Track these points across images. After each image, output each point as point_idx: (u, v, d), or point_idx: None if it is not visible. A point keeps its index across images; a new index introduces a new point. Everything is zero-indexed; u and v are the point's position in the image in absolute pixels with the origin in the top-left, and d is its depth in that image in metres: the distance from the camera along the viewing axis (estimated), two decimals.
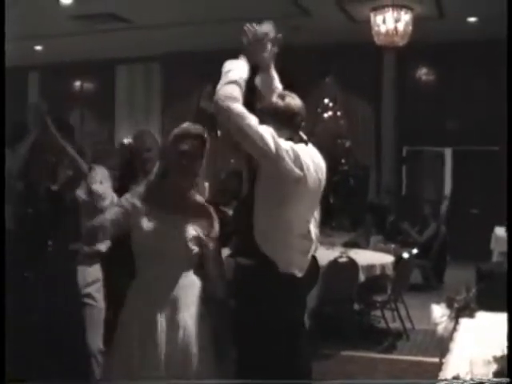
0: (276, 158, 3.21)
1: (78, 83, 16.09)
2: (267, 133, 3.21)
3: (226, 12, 10.40)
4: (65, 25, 11.30)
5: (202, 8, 10.42)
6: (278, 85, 3.69)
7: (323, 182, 3.53)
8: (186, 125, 3.37)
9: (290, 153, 3.24)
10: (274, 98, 3.48)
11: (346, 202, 13.95)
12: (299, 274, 3.36)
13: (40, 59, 14.31)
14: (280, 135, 3.29)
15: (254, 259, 3.28)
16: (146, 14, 11.01)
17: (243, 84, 3.32)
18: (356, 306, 7.10)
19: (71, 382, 4.30)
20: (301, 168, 3.28)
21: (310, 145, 3.50)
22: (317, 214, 5.10)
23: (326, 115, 14.95)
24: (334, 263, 6.50)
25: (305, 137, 3.52)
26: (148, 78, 15.31)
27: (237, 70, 3.34)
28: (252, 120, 3.19)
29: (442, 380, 2.37)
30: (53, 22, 11.13)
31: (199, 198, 3.39)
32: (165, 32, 11.91)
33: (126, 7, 10.73)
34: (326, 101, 14.75)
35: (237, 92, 3.23)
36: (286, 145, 3.26)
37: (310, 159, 3.39)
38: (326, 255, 6.60)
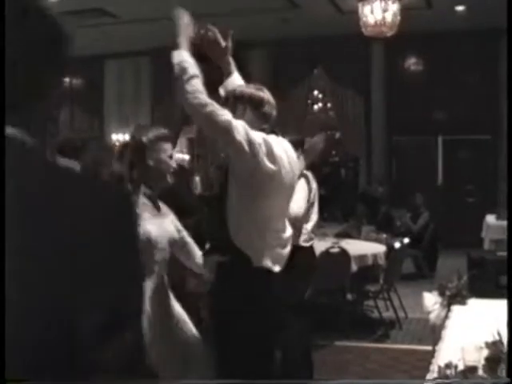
0: (250, 152, 3.12)
1: (66, 79, 16.04)
2: (240, 126, 3.13)
3: (214, 6, 10.38)
4: None
5: (189, 1, 10.40)
6: (240, 81, 3.61)
7: (296, 175, 3.51)
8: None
9: (263, 147, 3.15)
10: (241, 87, 3.43)
11: (337, 193, 13.99)
12: (276, 269, 3.29)
13: None
14: (251, 125, 3.21)
15: (229, 256, 3.22)
16: (133, 9, 10.99)
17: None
18: (349, 296, 7.13)
19: (71, 382, 4.32)
20: (274, 162, 3.19)
21: (281, 137, 3.43)
22: (315, 216, 5.15)
23: (315, 107, 14.96)
24: (326, 254, 6.52)
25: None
26: (137, 72, 15.29)
27: (191, 62, 3.28)
28: (225, 115, 3.11)
29: (443, 380, 2.39)
30: None
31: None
32: (153, 26, 11.89)
33: (113, 2, 10.72)
34: (316, 92, 14.76)
35: (202, 86, 3.17)
36: (259, 137, 3.16)
37: (283, 151, 3.31)
38: (318, 246, 6.60)
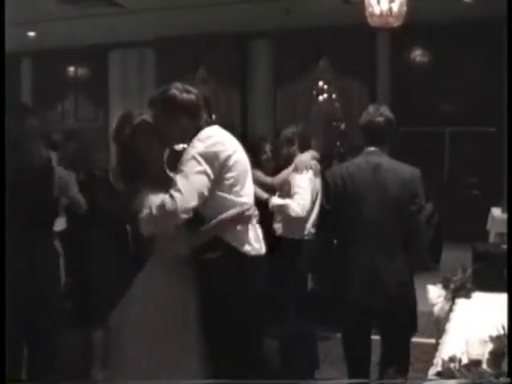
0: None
1: (71, 69, 16.03)
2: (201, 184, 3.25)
3: None
4: (57, 10, 11.24)
5: None
6: None
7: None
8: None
9: (221, 158, 3.31)
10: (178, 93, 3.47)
11: None
12: (262, 251, 3.49)
13: (33, 45, 14.24)
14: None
15: (220, 250, 3.34)
16: None
17: None
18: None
19: (70, 382, 4.34)
20: (235, 151, 3.39)
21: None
22: (314, 215, 5.14)
23: (320, 98, 14.89)
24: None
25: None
26: (141, 62, 15.25)
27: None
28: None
29: (444, 379, 2.37)
30: (45, 8, 11.06)
31: None
32: (157, 16, 11.85)
33: None
34: (321, 83, 14.69)
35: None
36: (216, 147, 3.31)
37: (233, 139, 3.50)
38: None
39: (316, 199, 5.11)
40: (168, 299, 3.41)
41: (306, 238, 5.10)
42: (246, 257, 3.37)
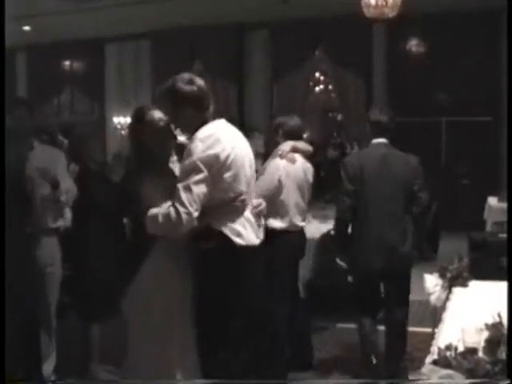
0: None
1: (67, 62, 16.02)
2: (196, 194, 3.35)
3: None
4: (52, 4, 11.22)
5: None
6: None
7: (251, 153, 3.72)
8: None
9: (211, 155, 3.38)
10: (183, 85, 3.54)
11: (339, 175, 13.92)
12: (256, 241, 3.60)
13: (28, 39, 14.22)
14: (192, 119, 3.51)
15: (214, 240, 3.45)
16: None
17: None
18: (350, 278, 7.12)
19: (70, 382, 4.36)
20: (233, 148, 3.48)
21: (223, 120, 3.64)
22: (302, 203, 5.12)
23: (317, 89, 14.91)
24: (328, 236, 6.51)
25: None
26: (137, 56, 15.24)
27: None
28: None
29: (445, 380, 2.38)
30: (41, 2, 11.05)
31: None
32: (152, 9, 11.84)
33: None
34: (317, 74, 14.71)
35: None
36: (207, 147, 3.39)
37: (232, 135, 3.60)
38: (319, 228, 6.62)
39: (282, 188, 5.00)
40: (169, 292, 3.52)
41: (291, 227, 5.05)
42: (237, 247, 3.47)
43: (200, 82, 3.54)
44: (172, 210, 3.33)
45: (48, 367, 4.65)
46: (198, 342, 3.51)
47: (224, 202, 3.47)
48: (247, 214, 3.57)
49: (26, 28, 13.47)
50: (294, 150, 5.13)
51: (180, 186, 3.36)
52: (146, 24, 13.12)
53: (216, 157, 3.39)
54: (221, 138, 3.44)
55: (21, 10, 11.01)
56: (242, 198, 3.51)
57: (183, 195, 3.33)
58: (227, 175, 3.44)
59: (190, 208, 3.31)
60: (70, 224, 4.75)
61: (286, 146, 5.10)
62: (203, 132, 3.45)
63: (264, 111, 13.77)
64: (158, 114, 3.63)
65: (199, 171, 3.35)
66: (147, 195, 3.47)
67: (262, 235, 3.68)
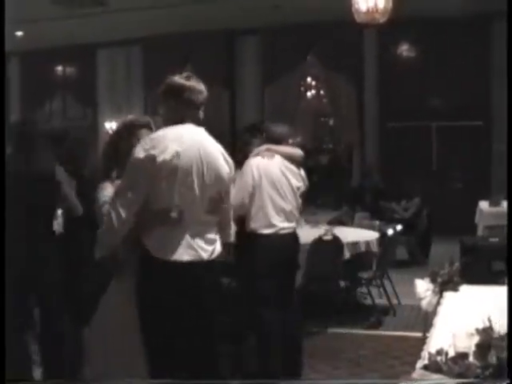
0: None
1: (59, 68, 16.01)
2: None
3: None
4: (45, 10, 11.22)
5: None
6: None
7: (203, 159, 3.34)
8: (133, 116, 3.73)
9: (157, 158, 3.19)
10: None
11: (330, 180, 13.97)
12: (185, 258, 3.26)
13: (21, 45, 14.20)
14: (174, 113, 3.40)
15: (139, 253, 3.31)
16: None
17: None
18: (342, 283, 7.14)
19: (70, 382, 4.34)
20: (177, 152, 3.21)
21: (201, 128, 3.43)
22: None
23: (308, 94, 14.92)
24: (319, 241, 6.52)
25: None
26: (129, 61, 15.25)
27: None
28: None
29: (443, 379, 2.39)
30: (33, 7, 11.03)
31: None
32: (144, 15, 11.85)
33: None
34: (309, 79, 14.72)
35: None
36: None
37: (191, 141, 3.31)
38: (310, 233, 6.63)
39: (258, 189, 4.93)
40: (122, 305, 3.41)
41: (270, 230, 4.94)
42: (159, 261, 3.24)
43: (196, 81, 3.42)
44: (112, 212, 3.21)
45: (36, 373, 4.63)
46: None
47: (156, 212, 3.26)
48: (184, 228, 3.28)
49: (19, 33, 13.45)
50: (273, 151, 5.06)
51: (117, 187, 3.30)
52: (137, 30, 13.13)
53: (151, 160, 3.17)
54: (165, 142, 3.23)
55: (13, 15, 10.98)
56: (180, 209, 3.24)
57: (115, 198, 3.25)
58: (163, 183, 3.21)
59: (120, 211, 3.17)
60: (67, 232, 4.75)
61: (263, 147, 5.07)
62: (154, 133, 3.35)
63: (256, 116, 13.78)
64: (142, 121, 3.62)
65: (130, 173, 3.25)
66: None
67: (206, 252, 3.34)
